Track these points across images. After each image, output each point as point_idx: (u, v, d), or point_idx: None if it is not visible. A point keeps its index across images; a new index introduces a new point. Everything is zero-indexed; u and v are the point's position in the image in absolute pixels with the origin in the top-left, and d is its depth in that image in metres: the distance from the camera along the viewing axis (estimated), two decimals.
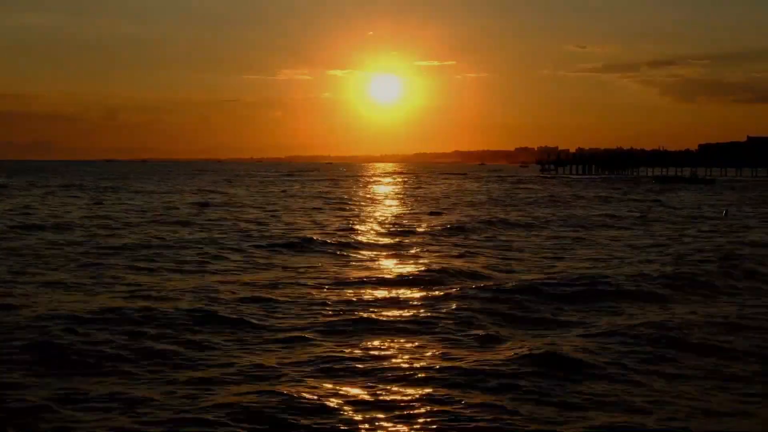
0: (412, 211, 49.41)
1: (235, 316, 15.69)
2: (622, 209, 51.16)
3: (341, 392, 11.04)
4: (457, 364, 12.39)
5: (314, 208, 51.90)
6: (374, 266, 23.69)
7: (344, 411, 10.33)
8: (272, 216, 44.00)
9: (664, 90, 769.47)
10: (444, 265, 23.01)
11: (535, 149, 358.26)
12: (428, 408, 10.45)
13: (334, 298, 17.95)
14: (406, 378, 11.69)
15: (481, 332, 14.55)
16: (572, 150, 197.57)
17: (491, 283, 20.02)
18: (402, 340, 13.98)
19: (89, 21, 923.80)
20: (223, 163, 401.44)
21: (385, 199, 68.47)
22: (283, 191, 79.19)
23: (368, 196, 73.87)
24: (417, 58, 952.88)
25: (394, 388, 11.21)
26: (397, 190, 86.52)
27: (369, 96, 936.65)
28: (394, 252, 27.26)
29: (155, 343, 13.53)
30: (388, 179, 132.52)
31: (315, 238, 30.68)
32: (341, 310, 16.60)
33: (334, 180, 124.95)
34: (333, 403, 10.62)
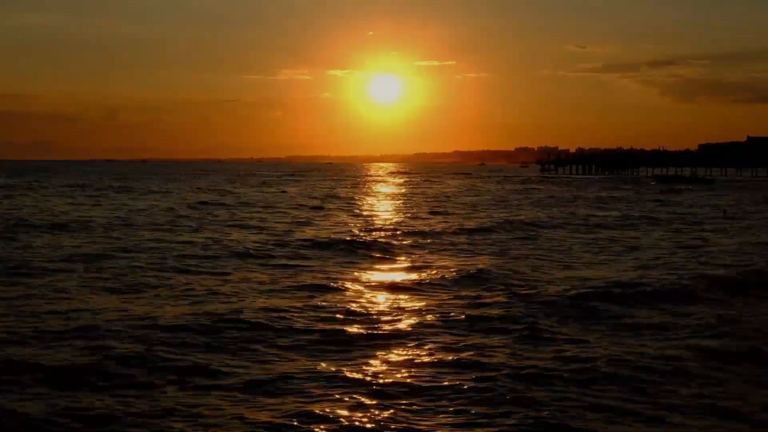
0: (425, 212, 49.20)
1: (270, 322, 15.29)
2: (638, 209, 51.02)
3: (401, 396, 10.87)
4: (528, 363, 12.20)
5: (325, 209, 51.73)
6: (406, 268, 23.40)
7: (404, 416, 10.19)
8: (282, 217, 43.77)
9: (664, 90, 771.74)
10: (480, 267, 22.66)
11: (535, 149, 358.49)
12: (490, 411, 10.28)
13: (379, 301, 17.78)
14: (463, 376, 11.51)
15: (528, 331, 14.40)
16: (572, 150, 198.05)
17: (537, 286, 19.75)
18: (463, 340, 13.73)
19: (89, 21, 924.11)
20: (223, 163, 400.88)
21: (394, 199, 68.29)
22: (283, 191, 78.83)
23: (377, 196, 73.74)
24: (417, 58, 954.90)
25: (447, 389, 11.06)
26: (404, 191, 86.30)
27: (369, 96, 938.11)
28: (420, 254, 26.99)
29: (178, 353, 13.12)
30: (392, 179, 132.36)
31: (337, 238, 30.47)
32: (387, 312, 16.40)
33: (338, 180, 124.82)
34: (400, 405, 10.48)
